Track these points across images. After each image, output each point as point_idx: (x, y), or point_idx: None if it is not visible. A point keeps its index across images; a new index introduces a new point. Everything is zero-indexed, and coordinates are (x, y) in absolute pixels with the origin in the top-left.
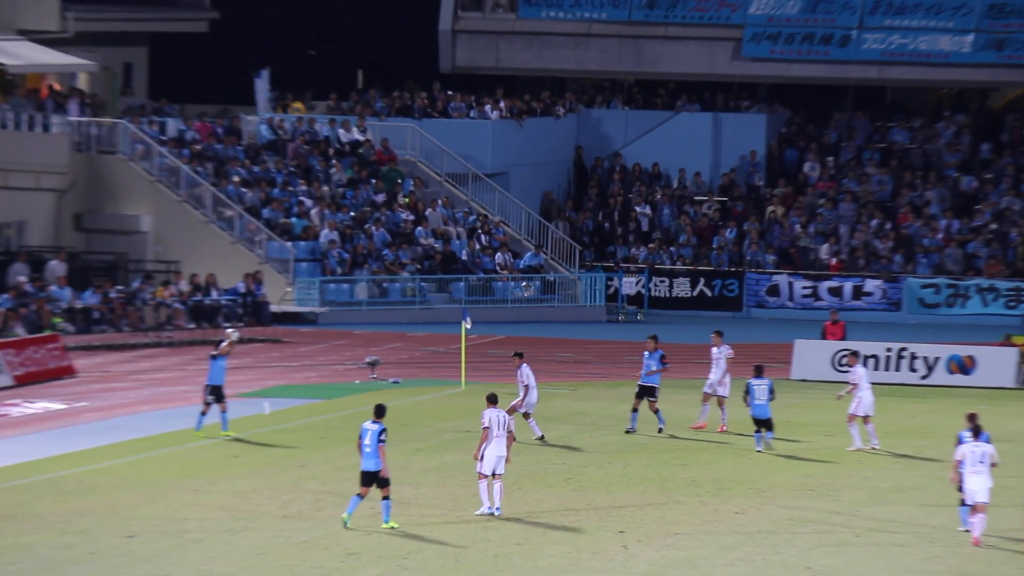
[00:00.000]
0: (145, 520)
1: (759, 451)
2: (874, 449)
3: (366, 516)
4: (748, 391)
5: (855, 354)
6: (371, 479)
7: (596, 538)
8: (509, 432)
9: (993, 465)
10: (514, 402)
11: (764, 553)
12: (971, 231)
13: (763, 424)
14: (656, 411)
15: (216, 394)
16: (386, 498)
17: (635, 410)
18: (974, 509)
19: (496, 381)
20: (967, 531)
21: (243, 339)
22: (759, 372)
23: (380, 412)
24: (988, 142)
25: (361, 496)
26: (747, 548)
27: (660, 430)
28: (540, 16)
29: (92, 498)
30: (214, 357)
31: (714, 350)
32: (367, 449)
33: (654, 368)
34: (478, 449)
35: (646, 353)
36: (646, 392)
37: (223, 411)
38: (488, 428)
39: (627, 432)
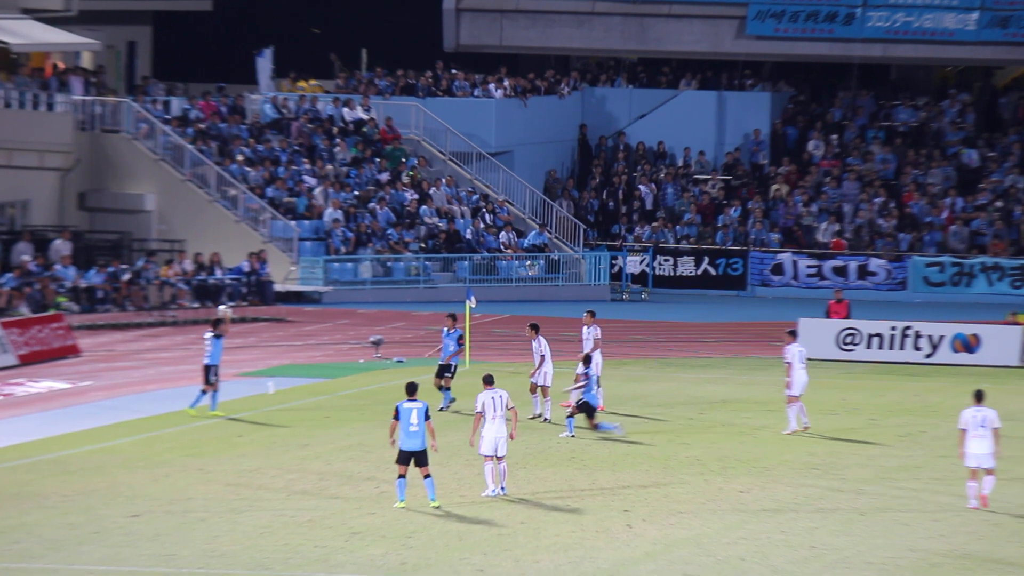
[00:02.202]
0: (149, 499)
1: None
2: (807, 429)
3: (369, 498)
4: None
5: (791, 333)
6: (409, 458)
7: (600, 517)
8: (510, 409)
9: (995, 430)
10: (532, 375)
11: (768, 532)
12: (976, 209)
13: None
14: (446, 388)
15: (215, 373)
16: (428, 476)
17: (442, 388)
18: (974, 473)
19: (501, 360)
20: (975, 508)
21: (246, 318)
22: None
23: (413, 389)
24: (992, 120)
25: (403, 476)
26: (751, 527)
27: (441, 409)
28: None
29: (97, 477)
30: (218, 337)
31: (584, 329)
32: (413, 428)
33: (452, 348)
34: (472, 434)
35: (445, 330)
36: (444, 370)
37: (215, 391)
38: (481, 412)
39: (440, 410)
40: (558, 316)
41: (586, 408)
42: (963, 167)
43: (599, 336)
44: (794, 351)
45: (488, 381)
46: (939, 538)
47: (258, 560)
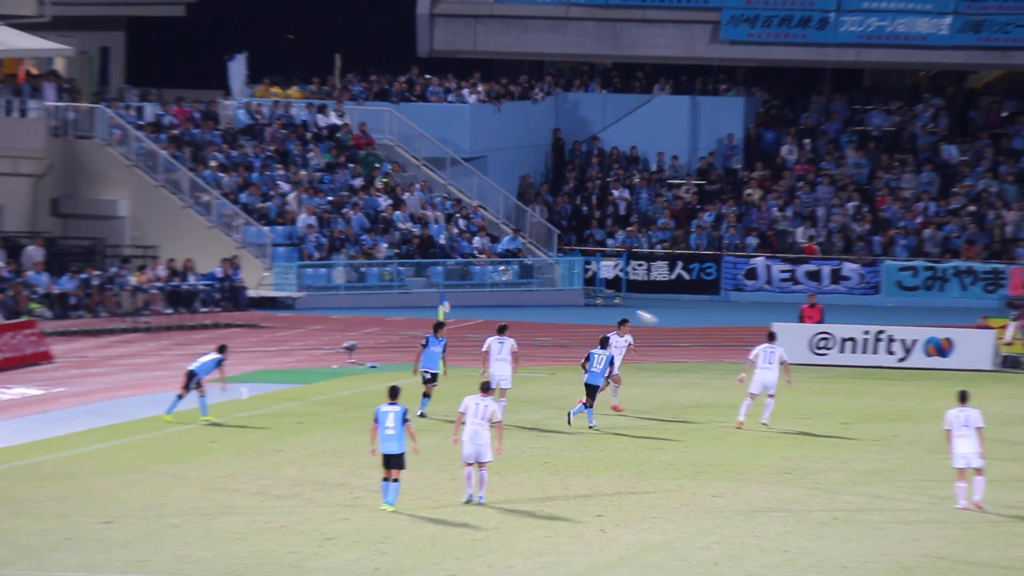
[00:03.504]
0: (123, 505)
1: (592, 426)
2: (740, 426)
3: (342, 503)
4: (588, 358)
5: (770, 335)
6: (391, 461)
7: (574, 522)
8: (492, 421)
9: (979, 429)
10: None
11: (742, 536)
12: (949, 213)
13: (591, 393)
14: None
15: (197, 383)
16: (396, 480)
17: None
18: (962, 474)
19: (476, 365)
20: (964, 508)
21: (219, 324)
22: (603, 343)
23: (395, 393)
24: (965, 124)
25: (388, 479)
26: (725, 531)
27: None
28: (518, 0)
29: (70, 483)
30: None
31: (618, 338)
32: (390, 431)
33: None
34: (455, 434)
35: (431, 338)
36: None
37: (203, 396)
38: (462, 413)
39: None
40: (531, 321)
41: (589, 388)
42: (943, 164)
43: (632, 343)
44: (757, 350)
45: (482, 388)
46: (912, 541)
47: (231, 566)
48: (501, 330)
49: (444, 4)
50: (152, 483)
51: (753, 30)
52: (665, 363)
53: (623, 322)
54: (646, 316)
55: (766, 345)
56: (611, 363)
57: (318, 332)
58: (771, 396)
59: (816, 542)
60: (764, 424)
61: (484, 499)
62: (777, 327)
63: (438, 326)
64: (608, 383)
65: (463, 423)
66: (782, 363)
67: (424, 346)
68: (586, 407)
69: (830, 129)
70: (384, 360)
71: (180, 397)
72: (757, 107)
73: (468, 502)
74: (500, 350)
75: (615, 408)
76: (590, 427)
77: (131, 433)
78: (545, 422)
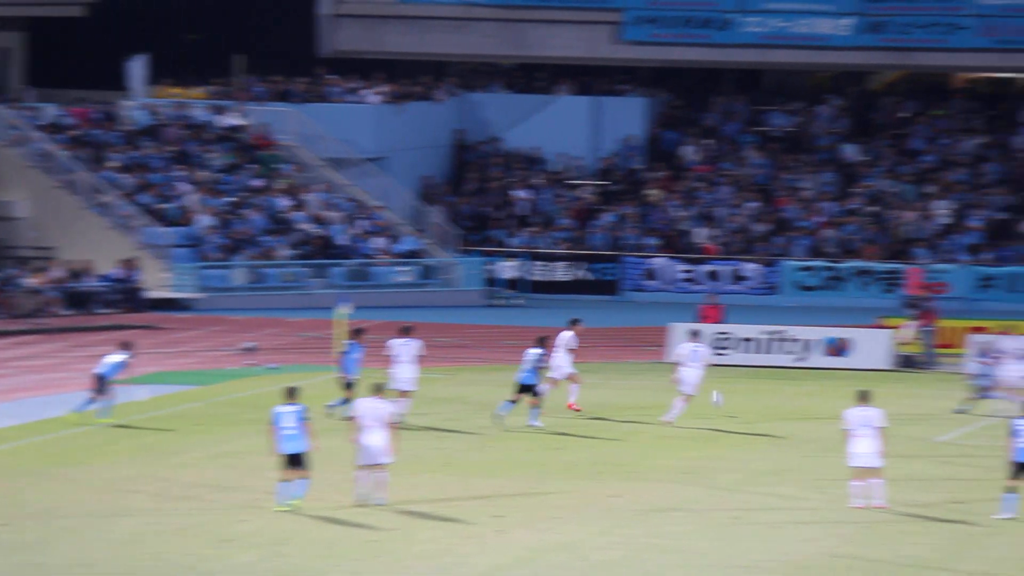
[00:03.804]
0: (18, 508)
1: (534, 424)
2: (668, 423)
3: (240, 505)
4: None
5: (694, 334)
6: (293, 461)
7: (472, 523)
8: (390, 423)
9: (880, 430)
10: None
11: (640, 536)
12: (848, 214)
13: (526, 391)
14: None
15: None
16: (304, 478)
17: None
18: (859, 473)
19: (374, 366)
20: (860, 507)
21: (119, 326)
22: (539, 342)
23: (293, 393)
24: (866, 125)
25: (288, 481)
26: (623, 531)
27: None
28: (421, 0)
29: None
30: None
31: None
32: (290, 431)
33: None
34: (353, 437)
35: (351, 343)
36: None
37: (108, 398)
38: (357, 418)
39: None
40: (432, 322)
41: (522, 387)
42: (843, 164)
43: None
44: (682, 349)
45: (373, 390)
46: (809, 541)
47: (128, 568)
48: (405, 331)
49: (347, 4)
50: (48, 486)
51: (655, 31)
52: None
53: (575, 321)
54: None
55: (691, 344)
56: (541, 362)
57: (218, 333)
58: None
59: (715, 542)
60: (666, 422)
61: (384, 500)
62: (677, 327)
63: (358, 331)
64: (550, 383)
65: (359, 427)
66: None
67: (345, 352)
68: (512, 403)
69: (731, 130)
70: (284, 361)
71: (92, 400)
72: (659, 108)
73: (362, 504)
74: (403, 352)
75: (571, 407)
76: (530, 425)
77: (28, 435)
78: (446, 423)
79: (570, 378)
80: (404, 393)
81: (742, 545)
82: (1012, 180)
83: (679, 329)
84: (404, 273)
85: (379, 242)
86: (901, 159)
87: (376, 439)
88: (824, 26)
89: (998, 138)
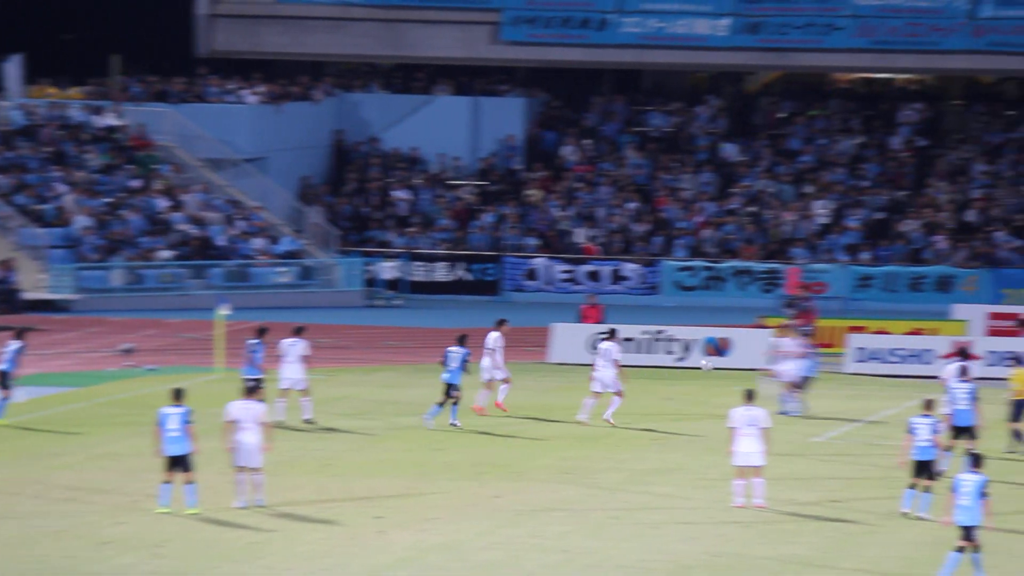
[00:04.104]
0: None
1: (454, 424)
2: (580, 422)
3: (120, 507)
4: (445, 357)
5: (610, 332)
6: (172, 463)
7: (353, 524)
8: (263, 424)
9: (764, 430)
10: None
11: (521, 536)
12: (727, 214)
13: (449, 392)
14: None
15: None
16: (190, 482)
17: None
18: (742, 472)
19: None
20: (742, 506)
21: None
22: (460, 341)
23: (179, 395)
24: (744, 125)
25: (169, 482)
26: (505, 531)
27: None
28: (298, 0)
29: None
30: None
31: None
32: (173, 433)
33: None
34: (228, 441)
35: (255, 343)
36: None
37: (4, 398)
38: (231, 422)
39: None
40: (312, 322)
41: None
42: (722, 163)
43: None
44: (602, 348)
45: (247, 391)
46: (691, 540)
47: (5, 571)
48: (296, 332)
49: (224, 5)
50: None
51: (533, 31)
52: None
53: (501, 322)
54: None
55: (603, 343)
56: (466, 360)
57: (96, 335)
58: (617, 394)
59: (596, 541)
60: (607, 420)
61: (264, 501)
62: (557, 328)
63: (262, 331)
64: (485, 387)
65: (233, 429)
66: (615, 361)
67: (253, 352)
68: (440, 406)
69: (610, 130)
70: (163, 363)
71: (4, 399)
72: (538, 108)
73: (243, 507)
74: (291, 351)
75: (497, 405)
76: (451, 424)
77: None
78: (326, 424)
79: (504, 380)
80: (284, 392)
81: (624, 545)
82: (890, 180)
83: (560, 329)
84: (284, 274)
85: (258, 243)
86: (779, 159)
87: (250, 440)
88: (702, 27)
89: (876, 138)
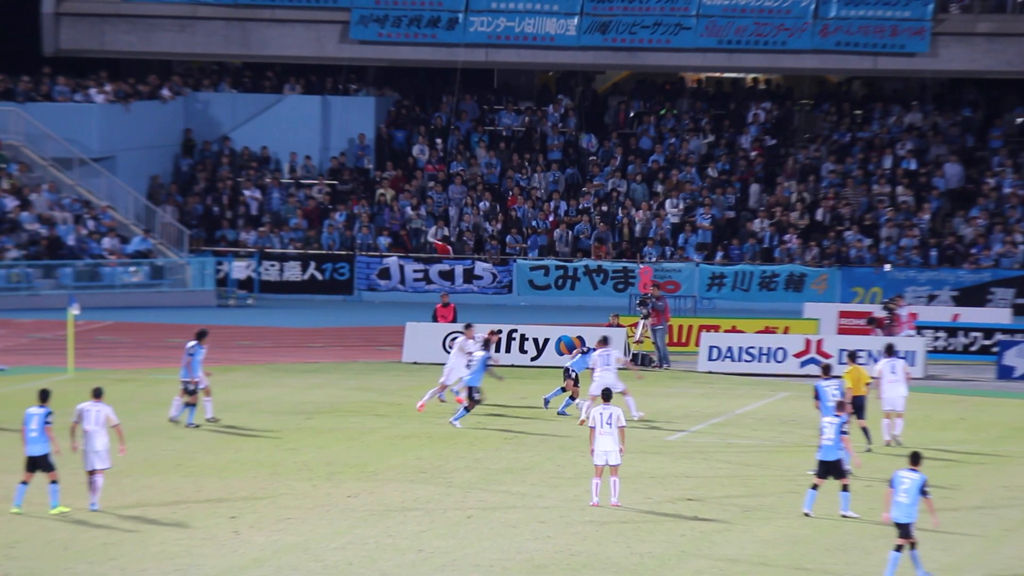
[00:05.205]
0: None
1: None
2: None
3: None
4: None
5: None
6: (36, 464)
7: (207, 524)
8: (115, 426)
9: (621, 428)
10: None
11: (376, 536)
12: (579, 213)
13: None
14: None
15: None
16: (54, 482)
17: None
18: (600, 470)
19: (107, 367)
20: (597, 505)
21: None
22: (485, 345)
23: (45, 396)
24: (594, 125)
25: (26, 483)
26: (359, 531)
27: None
28: None
29: None
30: None
31: (469, 342)
32: (33, 434)
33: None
34: (72, 442)
35: (195, 345)
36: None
37: None
38: (76, 423)
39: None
40: (163, 323)
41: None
42: (582, 152)
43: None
44: (601, 354)
45: (93, 394)
46: (545, 539)
47: None
48: (200, 336)
49: (69, 3)
50: None
51: (382, 30)
52: (298, 363)
53: (468, 326)
54: None
55: (599, 350)
56: (487, 363)
57: None
58: (623, 393)
59: (451, 540)
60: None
61: (98, 506)
62: (411, 327)
63: (202, 334)
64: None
65: (81, 431)
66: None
67: (192, 355)
68: (467, 410)
69: (461, 129)
70: (13, 363)
71: None
72: (388, 107)
73: (94, 509)
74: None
75: (420, 407)
76: (452, 424)
77: None
78: (178, 424)
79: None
80: (187, 393)
81: (479, 544)
82: (740, 179)
83: (413, 328)
84: (135, 274)
85: (108, 242)
86: (630, 158)
87: (98, 442)
88: (551, 26)
89: (726, 137)
